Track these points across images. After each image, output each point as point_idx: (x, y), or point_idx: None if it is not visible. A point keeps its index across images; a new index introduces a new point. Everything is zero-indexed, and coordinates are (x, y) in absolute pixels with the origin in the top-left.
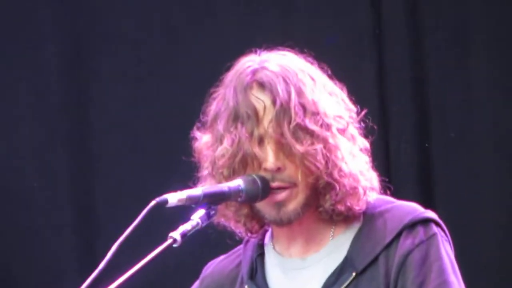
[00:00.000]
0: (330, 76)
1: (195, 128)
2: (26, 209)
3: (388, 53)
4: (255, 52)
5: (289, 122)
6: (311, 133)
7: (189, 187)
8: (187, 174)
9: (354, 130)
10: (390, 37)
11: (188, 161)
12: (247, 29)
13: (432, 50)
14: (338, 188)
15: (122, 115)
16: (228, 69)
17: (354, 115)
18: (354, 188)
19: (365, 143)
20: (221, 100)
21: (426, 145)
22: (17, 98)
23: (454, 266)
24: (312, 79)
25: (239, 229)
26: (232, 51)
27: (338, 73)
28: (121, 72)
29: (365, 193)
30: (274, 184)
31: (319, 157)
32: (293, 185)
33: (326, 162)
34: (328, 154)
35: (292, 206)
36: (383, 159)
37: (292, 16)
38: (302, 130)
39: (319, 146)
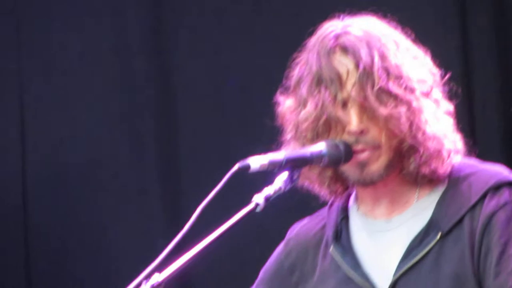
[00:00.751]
0: (413, 41)
1: (278, 92)
2: (112, 176)
3: (472, 18)
4: (338, 17)
5: (373, 86)
6: (394, 96)
7: (273, 150)
8: (270, 138)
9: (438, 93)
10: (474, 2)
11: (271, 125)
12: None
13: None
14: (422, 151)
15: (205, 80)
16: (311, 34)
17: (438, 79)
18: (438, 151)
19: (449, 107)
20: (304, 64)
21: (511, 110)
22: (103, 68)
23: None
24: (396, 43)
25: (323, 192)
26: (315, 16)
27: (423, 38)
28: (204, 37)
29: (449, 155)
30: (358, 147)
31: (403, 120)
32: (377, 146)
33: (410, 125)
34: (411, 117)
35: (375, 167)
36: (467, 124)
37: None
38: (385, 94)
39: (402, 109)
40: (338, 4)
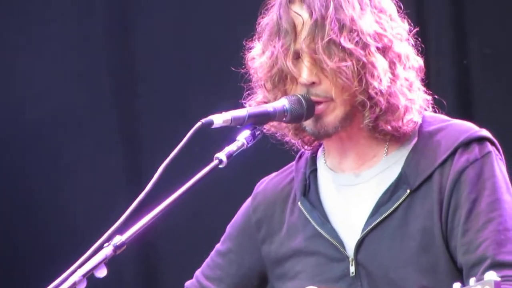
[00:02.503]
0: None
1: (252, 39)
2: (74, 134)
3: None
4: None
5: (323, 38)
6: (343, 50)
7: (237, 106)
8: (233, 95)
9: (402, 48)
10: None
11: (234, 82)
12: None
13: None
14: (373, 105)
15: (166, 36)
16: None
17: (405, 34)
18: (394, 107)
19: (419, 61)
20: (269, 14)
21: (464, 62)
22: (63, 25)
23: (508, 185)
24: None
25: (293, 141)
26: None
27: None
28: None
29: (406, 111)
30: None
31: (350, 74)
32: (329, 99)
33: (360, 80)
34: (361, 72)
35: (329, 119)
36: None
37: None
38: (335, 46)
39: (350, 63)
40: None
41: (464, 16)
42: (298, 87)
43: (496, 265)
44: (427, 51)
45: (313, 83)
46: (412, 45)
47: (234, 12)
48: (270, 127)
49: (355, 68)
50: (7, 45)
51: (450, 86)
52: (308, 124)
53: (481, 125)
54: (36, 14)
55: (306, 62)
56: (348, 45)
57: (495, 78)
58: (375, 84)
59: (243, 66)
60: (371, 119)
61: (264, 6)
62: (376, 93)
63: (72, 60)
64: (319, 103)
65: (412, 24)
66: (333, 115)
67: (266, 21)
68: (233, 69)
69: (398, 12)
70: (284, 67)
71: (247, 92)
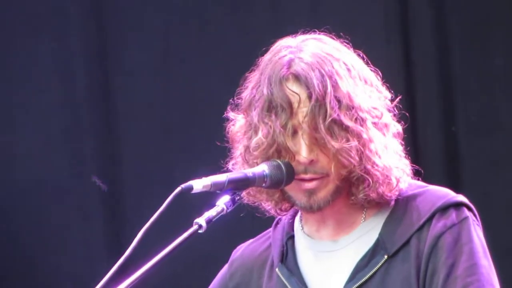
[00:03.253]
0: (366, 62)
1: (229, 109)
2: (55, 199)
3: (414, 39)
4: (292, 35)
5: (324, 118)
6: (346, 129)
7: (217, 172)
8: (215, 160)
9: (387, 117)
10: (415, 22)
11: (216, 147)
12: (279, 15)
13: (457, 35)
14: (371, 180)
15: (149, 102)
16: (263, 53)
17: (388, 102)
18: (388, 179)
19: (398, 127)
20: (255, 87)
21: (452, 128)
22: (45, 89)
23: (485, 250)
24: (348, 69)
25: (269, 208)
26: (264, 36)
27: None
28: (148, 59)
29: (397, 182)
30: (307, 176)
31: (353, 153)
32: (325, 175)
33: (360, 157)
34: (362, 149)
35: (322, 194)
36: (410, 143)
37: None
38: (337, 126)
39: (354, 143)
40: (287, 24)
41: (452, 84)
42: (295, 163)
43: None
44: (415, 118)
45: (312, 161)
46: (392, 111)
47: (217, 76)
48: (248, 196)
49: (357, 146)
50: None
51: (438, 153)
52: (298, 198)
53: (468, 193)
54: (17, 81)
55: (305, 140)
56: (349, 123)
57: (483, 146)
58: (375, 159)
59: (225, 137)
60: (365, 192)
61: (245, 79)
62: (374, 168)
63: (54, 125)
64: (311, 180)
65: (393, 92)
66: (326, 190)
67: (252, 95)
68: (218, 143)
69: (380, 80)
70: (284, 145)
71: (230, 157)
